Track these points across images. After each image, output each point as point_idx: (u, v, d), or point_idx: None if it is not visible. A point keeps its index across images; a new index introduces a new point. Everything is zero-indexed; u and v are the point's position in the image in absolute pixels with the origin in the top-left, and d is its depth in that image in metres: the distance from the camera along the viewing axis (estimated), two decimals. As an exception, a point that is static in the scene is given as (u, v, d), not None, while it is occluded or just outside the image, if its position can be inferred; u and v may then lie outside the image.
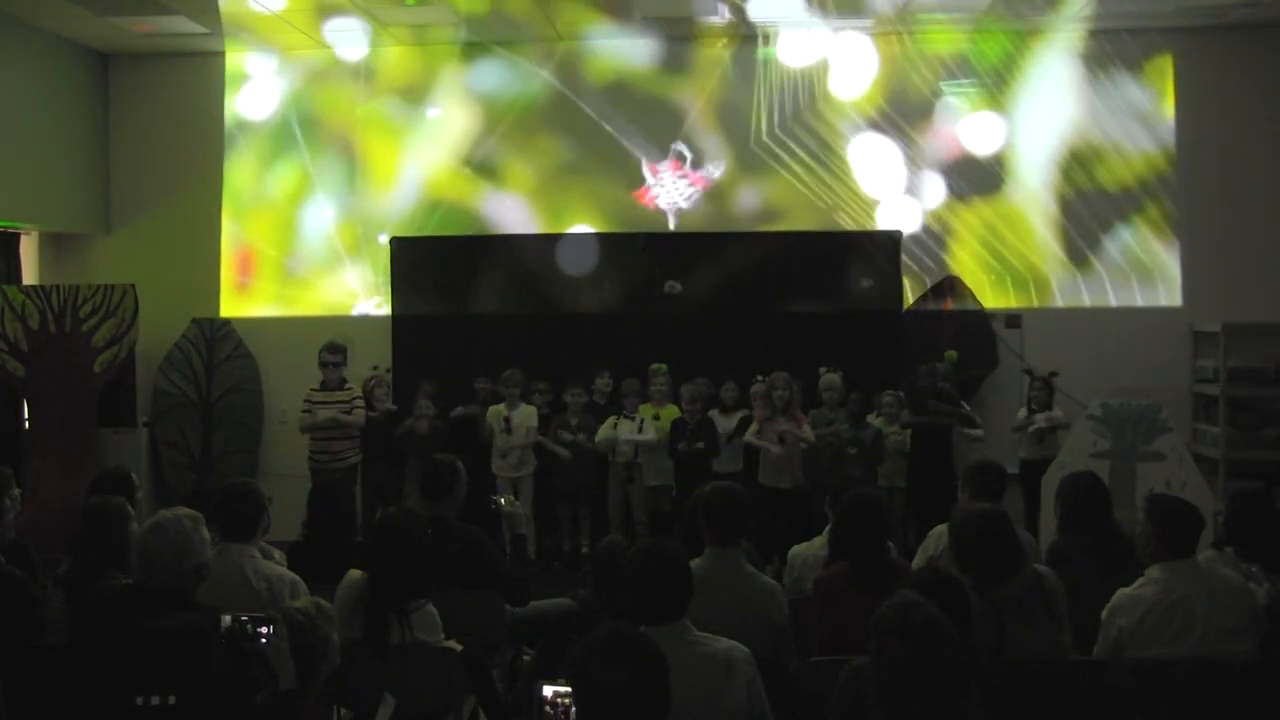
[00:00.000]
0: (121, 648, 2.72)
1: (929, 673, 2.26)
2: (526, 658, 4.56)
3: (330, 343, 7.33)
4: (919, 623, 2.31)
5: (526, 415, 7.31)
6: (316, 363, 7.26)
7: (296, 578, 3.86)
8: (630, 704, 2.18)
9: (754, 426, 6.98)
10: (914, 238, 8.15)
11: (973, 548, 3.44)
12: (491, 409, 7.37)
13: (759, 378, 7.18)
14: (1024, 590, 3.42)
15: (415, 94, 8.49)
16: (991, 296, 8.12)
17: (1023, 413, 7.33)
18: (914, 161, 8.20)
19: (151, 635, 2.50)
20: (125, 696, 2.43)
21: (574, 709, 2.23)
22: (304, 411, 7.19)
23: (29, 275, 8.21)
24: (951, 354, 7.62)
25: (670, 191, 8.02)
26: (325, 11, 7.58)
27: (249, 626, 2.67)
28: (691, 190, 8.17)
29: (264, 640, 2.66)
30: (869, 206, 8.23)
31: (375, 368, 7.79)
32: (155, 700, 2.39)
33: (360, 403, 7.24)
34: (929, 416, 7.08)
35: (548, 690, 2.42)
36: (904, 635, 2.29)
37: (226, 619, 2.68)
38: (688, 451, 6.98)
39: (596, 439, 7.26)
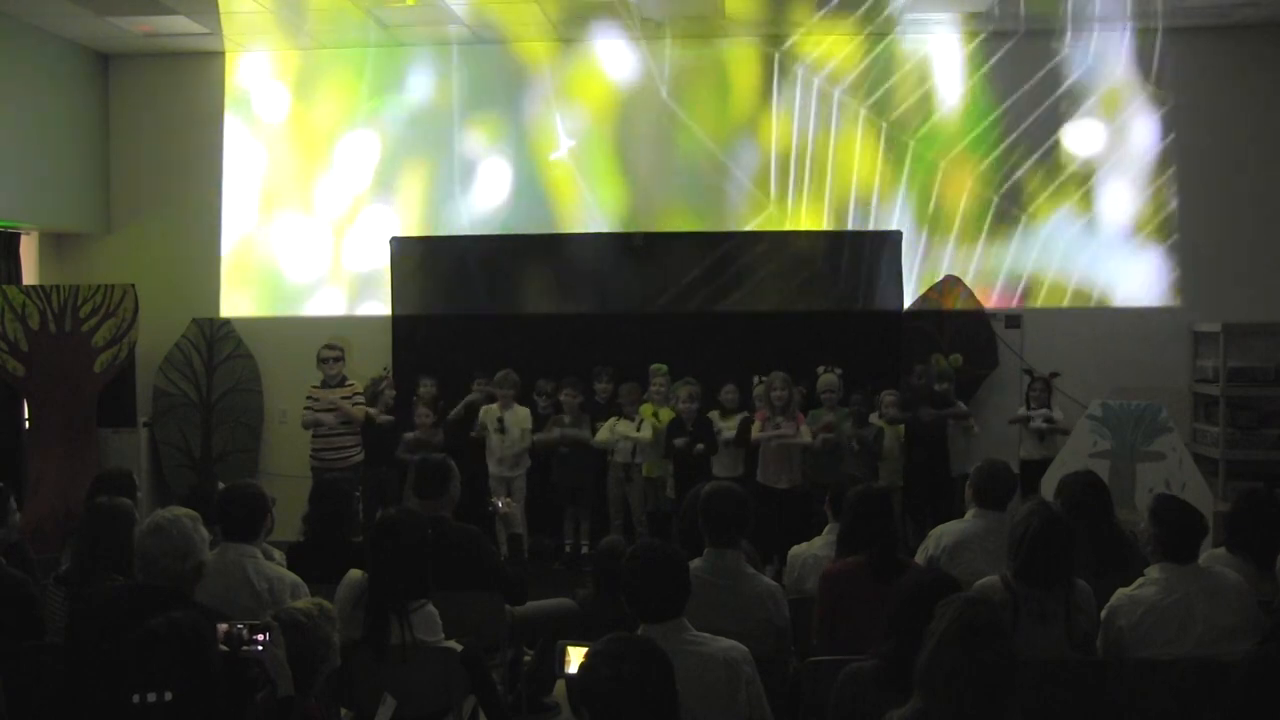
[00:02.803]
0: (117, 645, 2.71)
1: (985, 672, 2.25)
2: (527, 658, 4.57)
3: (329, 342, 7.34)
4: (983, 623, 2.29)
5: (521, 417, 7.31)
6: (315, 363, 7.25)
7: (298, 579, 3.86)
8: (639, 708, 2.19)
9: (756, 424, 6.97)
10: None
11: (1024, 547, 3.37)
12: (485, 409, 7.37)
13: (759, 379, 7.18)
14: (1050, 592, 3.39)
15: (415, 90, 8.48)
16: (991, 297, 8.11)
17: (1022, 410, 7.37)
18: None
19: (146, 631, 2.49)
20: (122, 695, 2.42)
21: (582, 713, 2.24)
22: (305, 409, 7.19)
23: (29, 275, 8.19)
24: (955, 358, 7.63)
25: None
26: (325, 9, 7.58)
27: (245, 632, 2.65)
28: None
29: (260, 647, 2.65)
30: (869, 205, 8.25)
31: (385, 369, 7.80)
32: (152, 697, 2.38)
33: (360, 399, 7.25)
34: (918, 415, 7.15)
35: (573, 652, 2.41)
36: (966, 633, 2.28)
37: (224, 626, 2.66)
38: (686, 450, 6.95)
39: (596, 439, 7.27)
